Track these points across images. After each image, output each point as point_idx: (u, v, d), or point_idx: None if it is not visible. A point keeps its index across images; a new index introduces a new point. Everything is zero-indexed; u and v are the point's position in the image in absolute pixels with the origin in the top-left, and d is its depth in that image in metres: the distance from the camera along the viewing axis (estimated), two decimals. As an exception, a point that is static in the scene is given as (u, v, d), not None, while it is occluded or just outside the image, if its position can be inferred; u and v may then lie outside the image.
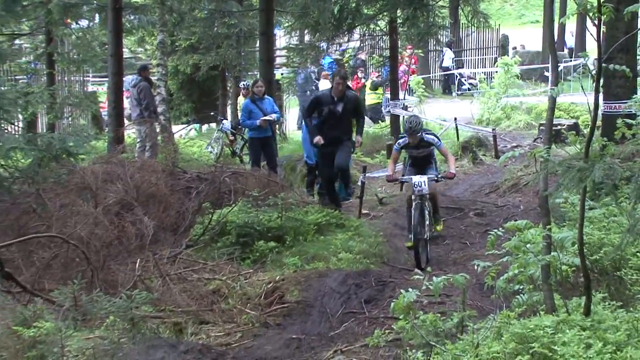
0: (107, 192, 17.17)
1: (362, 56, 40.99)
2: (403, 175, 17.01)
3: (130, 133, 28.67)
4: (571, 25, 45.32)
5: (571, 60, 40.60)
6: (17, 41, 31.69)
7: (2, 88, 18.22)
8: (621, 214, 11.50)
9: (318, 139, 17.89)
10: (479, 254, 12.88)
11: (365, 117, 33.49)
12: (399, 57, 35.90)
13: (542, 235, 8.72)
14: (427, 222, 15.90)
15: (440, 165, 18.21)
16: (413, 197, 15.95)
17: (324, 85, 31.42)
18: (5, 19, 24.43)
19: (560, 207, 12.51)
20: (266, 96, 22.86)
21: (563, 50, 46.32)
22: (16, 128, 19.97)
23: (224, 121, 31.26)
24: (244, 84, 30.98)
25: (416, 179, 15.86)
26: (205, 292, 13.87)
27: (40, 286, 13.40)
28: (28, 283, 13.26)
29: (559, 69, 34.17)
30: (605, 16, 7.59)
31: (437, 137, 17.07)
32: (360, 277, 13.95)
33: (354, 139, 18.73)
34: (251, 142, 23.52)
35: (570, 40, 49.01)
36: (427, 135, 16.58)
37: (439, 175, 16.58)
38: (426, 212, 15.92)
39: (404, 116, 29.60)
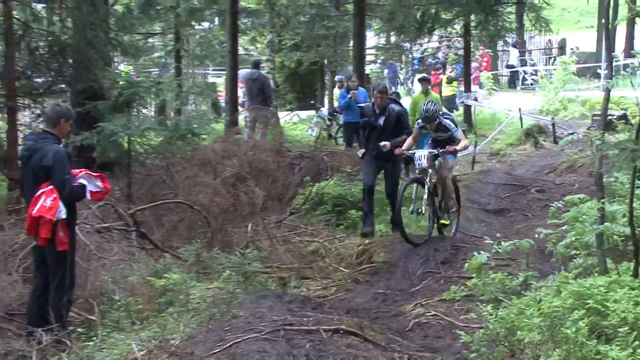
0: (225, 166, 17.29)
1: (440, 55, 40.95)
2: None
3: (242, 118, 28.66)
4: (621, 29, 44.58)
5: (620, 60, 39.89)
6: (150, 39, 31.91)
7: (139, 78, 18.39)
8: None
9: (360, 152, 15.79)
10: (539, 225, 12.69)
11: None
12: (472, 56, 35.68)
13: (597, 208, 8.62)
14: (425, 197, 14.04)
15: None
16: (416, 170, 14.41)
17: (417, 88, 31.16)
18: (142, 20, 24.55)
19: (611, 186, 12.34)
20: (359, 87, 22.97)
21: (614, 51, 45.58)
22: (150, 112, 20.09)
23: (322, 109, 31.27)
24: (339, 78, 30.93)
25: (418, 153, 14.18)
26: (305, 252, 13.94)
27: (169, 244, 13.55)
28: (159, 241, 13.42)
29: (610, 67, 33.70)
30: (654, 20, 7.48)
31: (455, 123, 14.93)
32: (437, 242, 13.89)
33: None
34: (345, 126, 23.69)
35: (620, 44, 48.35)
36: (445, 120, 14.67)
37: (440, 151, 14.28)
38: (425, 187, 14.04)
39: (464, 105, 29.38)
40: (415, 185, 14.19)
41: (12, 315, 10.42)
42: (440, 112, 14.65)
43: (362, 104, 22.01)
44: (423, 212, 14.13)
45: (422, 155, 14.02)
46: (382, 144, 14.97)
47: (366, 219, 15.21)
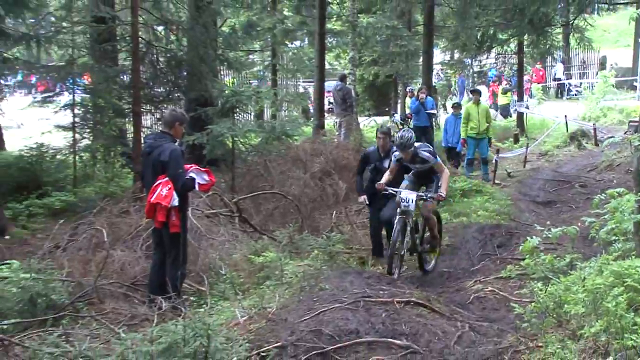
0: (313, 162, 17.36)
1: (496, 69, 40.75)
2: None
3: (328, 122, 28.67)
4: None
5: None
6: (251, 56, 32.15)
7: (241, 88, 18.54)
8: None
9: (363, 199, 13.09)
10: (582, 215, 12.52)
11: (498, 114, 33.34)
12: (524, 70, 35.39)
13: (634, 200, 8.49)
14: (407, 239, 11.39)
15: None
16: (398, 210, 11.36)
17: (483, 90, 30.94)
18: (245, 39, 24.86)
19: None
20: (427, 97, 22.91)
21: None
22: (250, 116, 20.28)
23: (395, 115, 31.27)
24: (410, 88, 31.01)
25: (404, 194, 11.33)
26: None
27: (266, 228, 13.65)
28: (258, 225, 13.52)
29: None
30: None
31: (433, 154, 11.87)
32: (494, 228, 13.78)
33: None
34: (415, 130, 23.53)
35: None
36: (422, 152, 11.64)
37: (428, 196, 11.51)
38: (408, 229, 11.39)
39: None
40: (396, 227, 11.26)
41: (137, 285, 10.60)
42: (416, 143, 11.65)
43: (430, 110, 22.04)
44: (404, 254, 11.51)
45: (409, 198, 11.28)
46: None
47: (373, 244, 13.15)
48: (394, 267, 11.06)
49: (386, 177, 11.75)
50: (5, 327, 8.77)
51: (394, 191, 11.51)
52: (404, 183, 11.90)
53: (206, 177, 10.11)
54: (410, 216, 11.40)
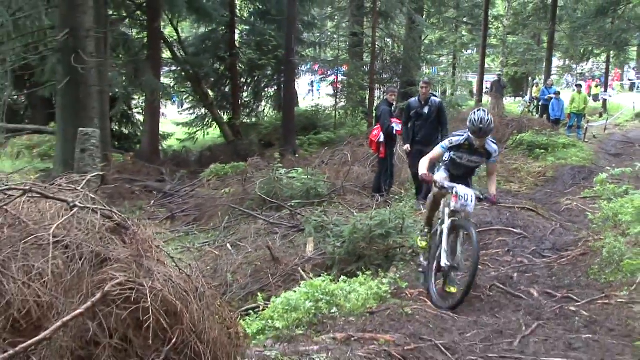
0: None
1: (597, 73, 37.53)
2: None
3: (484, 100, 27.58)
4: None
5: None
6: (440, 58, 31.57)
7: (433, 77, 18.31)
8: None
9: (406, 147, 9.51)
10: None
11: (591, 99, 30.51)
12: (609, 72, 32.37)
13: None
14: (459, 251, 5.41)
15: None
16: (449, 211, 5.40)
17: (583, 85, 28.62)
18: (437, 47, 24.78)
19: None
20: (552, 86, 21.68)
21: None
22: (438, 92, 19.99)
23: (525, 97, 29.63)
24: (535, 81, 29.37)
25: (462, 190, 5.31)
26: (510, 168, 13.28)
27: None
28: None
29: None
30: None
31: (498, 147, 5.83)
32: (581, 168, 12.84)
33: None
34: (541, 107, 22.18)
35: None
36: (491, 143, 5.54)
37: (484, 195, 5.53)
38: (460, 238, 5.41)
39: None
40: (450, 235, 5.42)
41: (365, 188, 10.90)
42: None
43: (553, 94, 20.48)
44: (457, 266, 5.45)
45: (468, 195, 5.33)
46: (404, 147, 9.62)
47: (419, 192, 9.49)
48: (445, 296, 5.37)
49: (426, 165, 5.54)
50: (293, 204, 9.41)
51: (447, 186, 5.45)
52: (442, 173, 5.76)
53: (401, 126, 10.20)
54: (459, 217, 5.45)
